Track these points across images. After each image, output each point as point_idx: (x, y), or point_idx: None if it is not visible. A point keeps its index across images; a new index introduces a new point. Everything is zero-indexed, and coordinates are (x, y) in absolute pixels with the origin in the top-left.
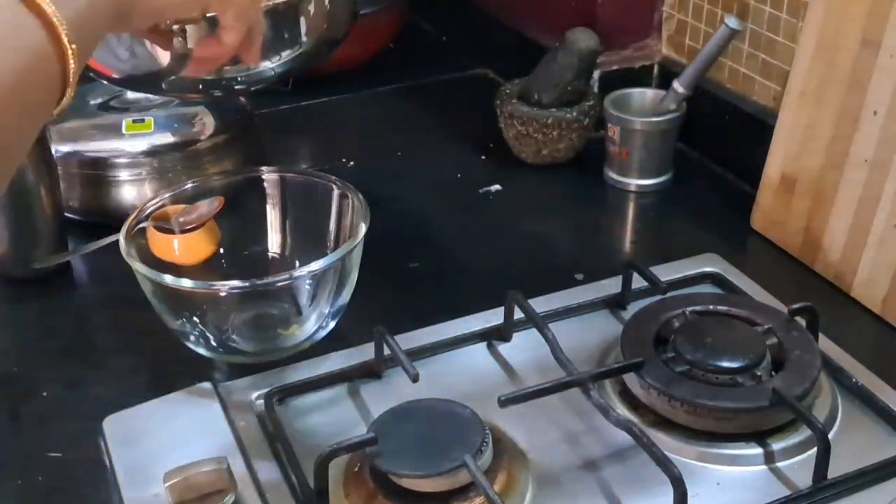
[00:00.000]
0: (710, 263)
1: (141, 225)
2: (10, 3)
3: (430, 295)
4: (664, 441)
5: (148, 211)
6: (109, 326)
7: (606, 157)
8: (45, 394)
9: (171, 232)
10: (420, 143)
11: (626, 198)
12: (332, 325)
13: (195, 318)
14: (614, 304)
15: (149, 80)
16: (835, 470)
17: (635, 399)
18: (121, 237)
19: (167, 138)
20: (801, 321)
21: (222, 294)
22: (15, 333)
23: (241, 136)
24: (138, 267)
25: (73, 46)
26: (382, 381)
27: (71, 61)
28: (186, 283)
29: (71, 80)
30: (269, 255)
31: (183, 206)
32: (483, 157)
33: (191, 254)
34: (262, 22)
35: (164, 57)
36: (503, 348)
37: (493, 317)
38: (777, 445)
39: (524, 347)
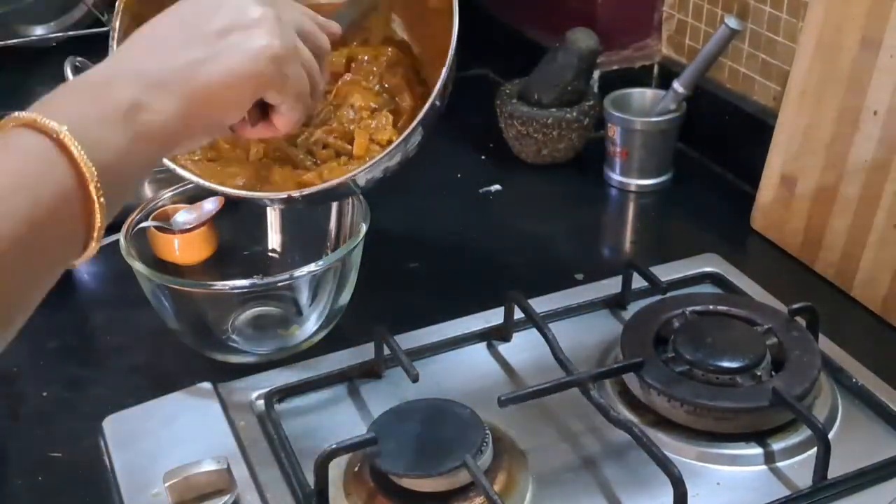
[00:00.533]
0: (710, 263)
1: (141, 225)
2: (39, 140)
3: (430, 295)
4: (664, 441)
5: (148, 211)
6: (109, 326)
7: (606, 157)
8: (45, 394)
9: (171, 232)
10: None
11: (626, 198)
12: (332, 325)
13: (195, 318)
14: (614, 304)
15: None
16: (835, 470)
17: (635, 399)
18: (121, 237)
19: None
20: (801, 321)
21: (222, 294)
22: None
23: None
24: (138, 267)
25: (102, 200)
26: (382, 381)
27: (97, 216)
28: (186, 284)
29: (96, 234)
30: (269, 255)
31: (183, 205)
32: (483, 157)
33: (191, 254)
34: (317, 105)
35: None
36: (503, 348)
37: (493, 317)
38: (777, 445)
39: (524, 347)
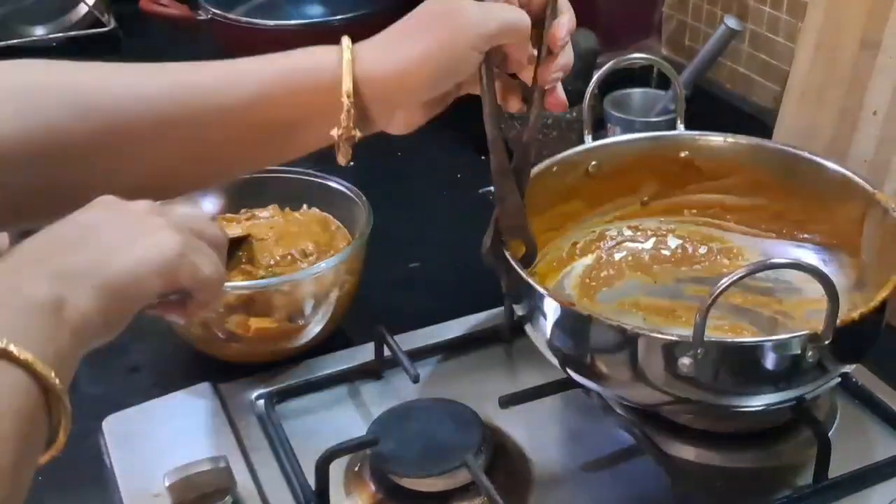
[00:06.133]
0: None
1: None
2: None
3: (430, 295)
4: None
5: None
6: None
7: None
8: None
9: None
10: (420, 143)
11: None
12: (333, 326)
13: (196, 318)
14: None
15: None
16: (835, 470)
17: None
18: None
19: None
20: None
21: (223, 294)
22: None
23: None
24: None
25: (67, 405)
26: (382, 382)
27: (62, 418)
28: None
29: (61, 431)
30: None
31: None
32: (483, 158)
33: None
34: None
35: None
36: (503, 348)
37: (493, 317)
38: (777, 445)
39: (524, 347)
